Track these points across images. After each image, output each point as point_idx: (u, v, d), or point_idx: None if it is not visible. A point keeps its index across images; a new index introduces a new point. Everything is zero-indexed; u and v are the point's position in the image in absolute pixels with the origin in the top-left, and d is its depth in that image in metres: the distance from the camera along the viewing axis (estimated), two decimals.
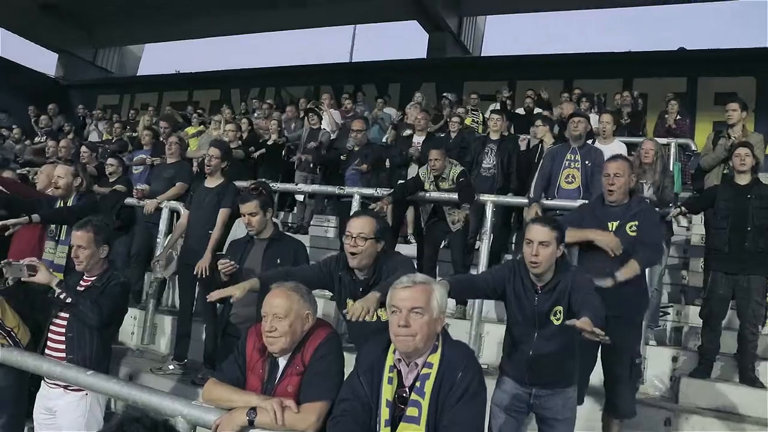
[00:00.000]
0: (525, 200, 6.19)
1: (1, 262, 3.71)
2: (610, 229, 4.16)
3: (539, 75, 13.92)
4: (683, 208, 5.67)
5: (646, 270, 4.81)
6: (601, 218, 4.23)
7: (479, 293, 3.92)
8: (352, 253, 3.31)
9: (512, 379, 3.49)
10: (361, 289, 3.38)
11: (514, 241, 7.51)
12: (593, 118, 8.88)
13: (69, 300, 3.58)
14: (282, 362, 2.79)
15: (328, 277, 3.54)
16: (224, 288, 3.91)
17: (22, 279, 3.66)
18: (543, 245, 3.29)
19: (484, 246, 5.81)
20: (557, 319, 3.30)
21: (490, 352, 5.43)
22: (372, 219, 3.40)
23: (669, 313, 6.11)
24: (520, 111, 10.65)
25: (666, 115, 9.19)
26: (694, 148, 8.49)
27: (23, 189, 6.09)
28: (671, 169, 6.63)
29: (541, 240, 3.30)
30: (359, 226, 3.33)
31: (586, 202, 4.95)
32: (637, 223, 4.13)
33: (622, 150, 6.36)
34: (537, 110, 10.02)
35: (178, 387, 5.16)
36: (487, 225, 5.88)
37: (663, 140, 7.72)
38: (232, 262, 4.09)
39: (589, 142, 6.46)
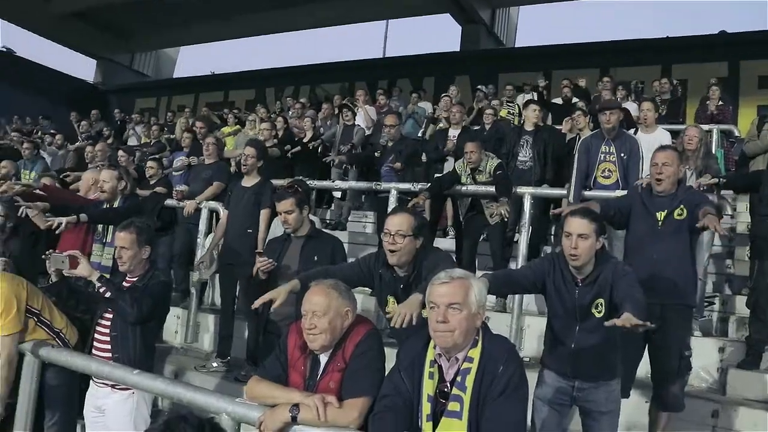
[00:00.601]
0: (563, 191, 6.11)
1: (45, 253, 3.80)
2: (659, 219, 4.12)
3: (575, 64, 13.74)
4: (721, 179, 5.50)
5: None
6: (648, 207, 4.18)
7: (519, 288, 3.88)
8: (391, 251, 3.31)
9: (554, 372, 3.46)
10: (401, 286, 3.38)
11: (553, 233, 7.42)
12: (631, 106, 8.75)
13: (108, 294, 3.65)
14: (323, 359, 2.80)
15: (368, 275, 3.55)
16: (263, 285, 3.97)
17: (64, 271, 3.73)
18: (582, 238, 3.26)
19: (522, 239, 5.76)
20: (599, 312, 3.27)
21: (530, 345, 5.38)
22: (410, 216, 3.39)
23: (714, 303, 5.97)
24: (558, 101, 10.50)
25: (707, 102, 8.98)
26: (737, 134, 8.29)
27: (67, 195, 6.23)
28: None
29: (580, 232, 3.27)
30: (397, 223, 3.32)
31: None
32: (683, 206, 4.08)
33: (666, 138, 6.23)
34: (575, 100, 9.86)
35: (221, 384, 5.23)
36: (525, 217, 5.83)
37: (705, 127, 7.54)
38: (271, 260, 4.13)
39: (631, 131, 6.34)
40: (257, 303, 3.42)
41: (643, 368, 4.13)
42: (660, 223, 4.13)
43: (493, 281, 3.22)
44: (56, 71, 22.84)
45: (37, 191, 5.65)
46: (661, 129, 6.57)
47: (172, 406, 5.02)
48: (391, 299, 3.45)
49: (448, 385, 2.50)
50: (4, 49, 22.16)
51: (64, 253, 3.77)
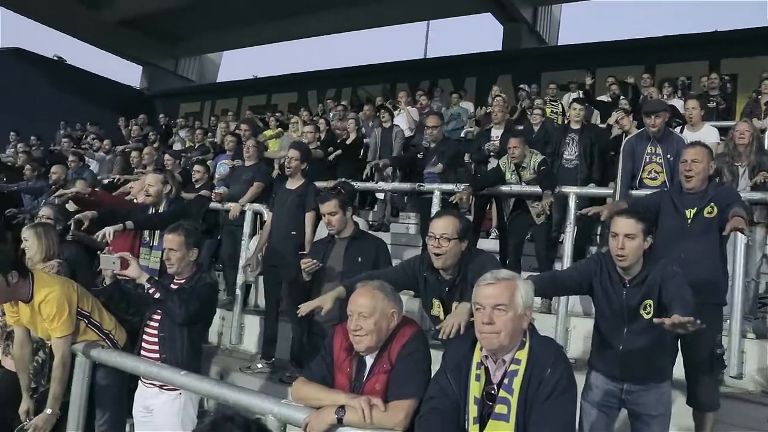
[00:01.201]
0: (610, 191, 6.00)
1: (97, 252, 3.88)
2: (687, 217, 4.02)
3: (619, 61, 13.51)
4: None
5: (740, 257, 4.61)
6: (678, 206, 4.08)
7: (565, 290, 3.82)
8: (437, 254, 3.28)
9: (602, 375, 3.39)
10: (446, 289, 3.36)
11: (599, 232, 7.30)
12: (678, 103, 8.56)
13: (158, 295, 3.70)
14: (369, 360, 2.79)
15: (413, 279, 3.53)
16: (308, 287, 3.99)
17: (114, 272, 3.79)
18: (629, 238, 3.20)
19: (567, 239, 5.67)
20: (647, 313, 3.19)
21: (577, 347, 5.29)
22: (455, 219, 3.35)
23: None
24: (604, 98, 10.32)
25: (759, 96, 8.71)
26: None
27: (116, 200, 6.35)
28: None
29: (627, 233, 3.21)
30: (442, 226, 3.29)
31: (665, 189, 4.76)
32: (713, 204, 3.97)
33: (713, 135, 6.08)
34: (622, 98, 9.69)
35: (266, 385, 5.26)
36: (570, 217, 5.73)
37: (759, 123, 7.33)
38: (315, 261, 4.15)
39: (677, 129, 6.19)
40: (304, 310, 3.44)
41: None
42: (689, 221, 4.02)
43: (539, 283, 3.17)
44: (104, 78, 23.42)
45: (87, 196, 5.76)
46: (708, 126, 6.41)
47: (217, 406, 5.09)
48: (436, 302, 3.43)
49: (495, 387, 2.46)
50: (56, 58, 22.78)
51: (115, 255, 3.84)
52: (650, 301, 3.18)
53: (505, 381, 2.43)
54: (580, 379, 3.14)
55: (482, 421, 2.43)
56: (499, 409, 2.40)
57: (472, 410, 2.45)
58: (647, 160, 5.46)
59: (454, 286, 3.34)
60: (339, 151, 9.04)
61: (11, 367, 4.18)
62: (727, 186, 4.43)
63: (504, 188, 6.27)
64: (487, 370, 2.50)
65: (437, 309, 3.43)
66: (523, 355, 2.45)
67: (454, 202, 5.87)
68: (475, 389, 2.48)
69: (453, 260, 3.30)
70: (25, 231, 4.50)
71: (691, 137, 5.85)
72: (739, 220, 3.53)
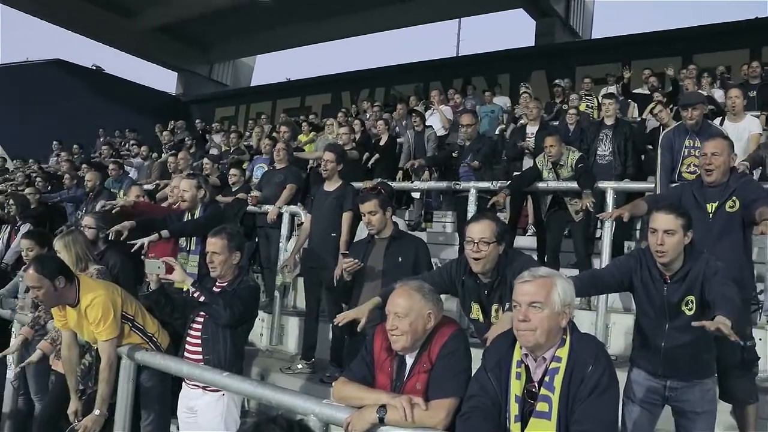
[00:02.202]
0: (650, 185, 5.91)
1: (142, 258, 3.97)
2: (709, 211, 3.94)
3: (655, 53, 13.31)
4: None
5: None
6: (699, 200, 4.00)
7: (605, 288, 3.77)
8: (476, 259, 3.28)
9: (644, 371, 3.34)
10: (485, 292, 3.35)
11: (638, 228, 7.20)
12: (718, 94, 8.40)
13: (203, 299, 3.76)
14: (409, 360, 2.80)
15: (450, 283, 3.52)
16: (348, 287, 4.02)
17: (159, 276, 3.87)
18: (668, 234, 3.14)
19: (606, 235, 5.60)
20: (690, 310, 3.14)
21: (617, 343, 5.24)
22: (492, 222, 3.33)
23: None
24: (642, 91, 10.16)
25: None
26: None
27: (156, 209, 6.46)
28: None
29: (666, 228, 3.15)
30: (480, 230, 3.27)
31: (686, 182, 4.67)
32: (735, 197, 3.90)
33: (755, 126, 5.93)
34: (658, 91, 9.52)
35: (306, 386, 5.28)
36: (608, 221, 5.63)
37: None
38: (356, 261, 4.16)
39: (717, 121, 6.07)
40: (340, 320, 3.47)
41: None
42: (711, 215, 3.94)
43: (578, 284, 3.13)
44: (141, 85, 23.89)
45: (131, 210, 5.87)
46: (750, 116, 6.26)
47: (259, 407, 5.15)
48: (475, 306, 3.43)
49: (536, 385, 2.45)
50: (94, 67, 23.28)
51: (159, 260, 3.92)
52: (692, 297, 3.13)
53: (546, 379, 2.42)
54: (621, 376, 3.10)
55: (524, 419, 2.42)
56: (541, 407, 2.39)
57: (513, 408, 2.44)
58: (686, 153, 5.34)
59: (493, 289, 3.33)
60: (377, 155, 9.05)
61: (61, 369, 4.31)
62: (749, 178, 4.32)
63: (541, 185, 6.21)
64: (527, 368, 2.49)
65: (476, 312, 3.43)
66: (563, 352, 2.43)
67: (490, 205, 5.83)
68: (515, 387, 2.46)
69: (491, 264, 3.29)
70: (56, 243, 4.62)
71: (732, 128, 5.74)
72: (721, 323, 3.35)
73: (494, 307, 3.35)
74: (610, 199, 5.73)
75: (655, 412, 3.37)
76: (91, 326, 3.87)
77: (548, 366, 2.44)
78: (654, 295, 3.22)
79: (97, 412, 3.77)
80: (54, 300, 3.90)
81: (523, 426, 2.41)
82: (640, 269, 3.30)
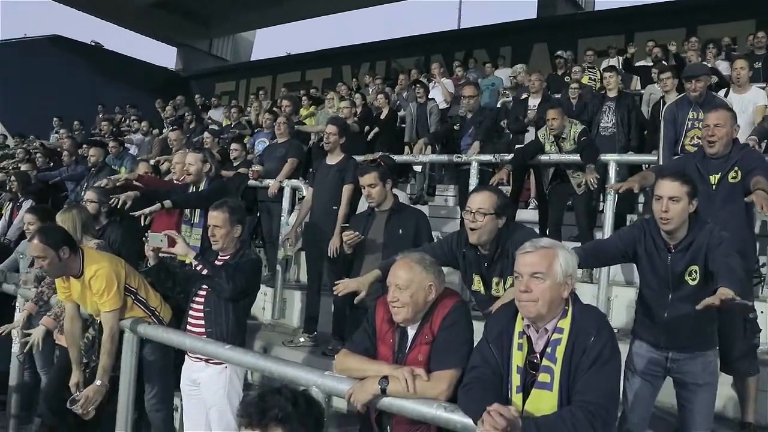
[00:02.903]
0: (652, 158, 5.88)
1: (144, 235, 3.98)
2: (712, 183, 3.92)
3: (659, 24, 13.17)
4: None
5: None
6: (701, 172, 3.97)
7: (609, 259, 3.73)
8: (472, 229, 3.26)
9: (646, 343, 3.35)
10: (486, 264, 3.34)
11: (640, 201, 7.19)
12: (724, 66, 8.31)
13: (205, 272, 3.76)
14: (411, 332, 2.81)
15: (451, 255, 3.51)
16: (349, 260, 4.01)
17: (162, 249, 3.88)
18: (673, 201, 3.12)
19: (608, 207, 5.59)
20: (693, 280, 3.13)
21: (619, 316, 5.25)
22: (492, 194, 3.32)
23: None
24: (645, 62, 10.06)
25: None
26: None
27: (161, 183, 6.47)
28: None
29: (671, 195, 3.12)
30: (479, 201, 3.26)
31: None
32: (737, 168, 3.88)
33: (761, 97, 5.87)
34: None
35: (308, 359, 5.31)
36: (611, 185, 5.63)
37: None
38: (357, 233, 4.16)
39: (721, 93, 6.02)
40: (341, 289, 3.47)
41: None
42: (714, 186, 3.93)
43: (582, 255, 3.14)
44: (140, 61, 23.74)
45: (135, 182, 5.88)
46: (755, 88, 6.18)
47: (262, 380, 5.18)
48: (476, 278, 3.42)
49: (538, 356, 2.45)
50: (93, 44, 23.13)
51: (161, 233, 3.92)
52: (696, 267, 3.12)
53: (548, 350, 2.41)
54: (623, 349, 3.10)
55: (525, 390, 2.42)
56: (543, 377, 2.38)
57: (515, 379, 2.44)
58: (689, 125, 5.30)
59: (493, 261, 3.32)
60: (376, 129, 9.02)
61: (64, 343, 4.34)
62: (749, 149, 4.30)
63: (543, 158, 6.18)
64: (529, 339, 2.48)
65: (477, 284, 3.43)
66: (566, 323, 2.42)
67: (494, 182, 5.79)
68: (517, 358, 2.46)
69: (489, 236, 3.27)
70: (57, 217, 4.64)
71: (737, 99, 5.69)
72: (762, 195, 3.36)
73: (495, 279, 3.35)
74: (612, 171, 5.71)
75: (656, 384, 3.38)
76: (95, 297, 3.90)
77: (550, 337, 2.43)
78: (658, 265, 3.22)
79: (98, 382, 3.79)
80: (59, 270, 3.92)
81: (525, 397, 2.41)
82: (644, 239, 3.29)
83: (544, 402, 2.36)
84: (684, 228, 3.17)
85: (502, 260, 3.29)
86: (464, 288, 4.35)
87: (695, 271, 3.12)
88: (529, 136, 7.51)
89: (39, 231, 3.97)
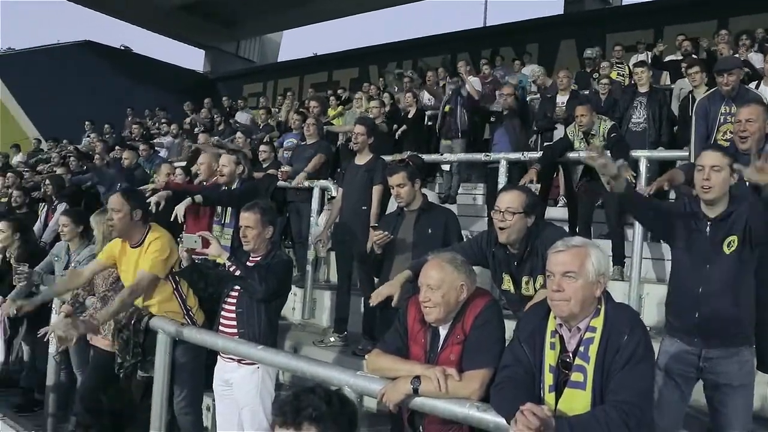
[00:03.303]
0: (683, 153, 5.79)
1: (178, 237, 4.04)
2: None
3: (689, 18, 12.95)
4: None
5: None
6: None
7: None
8: (501, 228, 3.27)
9: (679, 339, 3.25)
10: (515, 263, 3.34)
11: (672, 198, 7.09)
12: (757, 58, 8.15)
13: (238, 273, 3.79)
14: (443, 332, 2.81)
15: (480, 255, 3.51)
16: (379, 259, 4.02)
17: (197, 250, 3.93)
18: (715, 170, 3.14)
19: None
20: (730, 249, 3.10)
21: (651, 314, 5.17)
22: (522, 193, 3.33)
23: None
24: (676, 57, 9.91)
25: None
26: None
27: (189, 186, 6.54)
28: None
29: (713, 164, 3.14)
30: (508, 200, 3.27)
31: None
32: None
33: None
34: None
35: (339, 358, 5.33)
36: (641, 182, 5.57)
37: None
38: (386, 233, 4.15)
39: (752, 85, 5.91)
40: (375, 300, 3.48)
41: None
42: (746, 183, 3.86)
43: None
44: (169, 64, 24.03)
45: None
46: None
47: (293, 380, 5.21)
48: (506, 277, 3.42)
49: (570, 355, 2.43)
50: (123, 48, 23.45)
51: (195, 234, 3.97)
52: (734, 237, 3.10)
53: (581, 349, 2.40)
54: (655, 347, 3.05)
55: (558, 389, 2.41)
56: (575, 377, 2.37)
57: (548, 378, 2.43)
58: (721, 120, 5.20)
59: (523, 259, 3.32)
60: (404, 127, 9.02)
61: (104, 346, 4.42)
62: None
63: (572, 155, 6.13)
64: (561, 338, 2.47)
65: (507, 283, 3.43)
66: (598, 322, 2.41)
67: (524, 183, 5.74)
68: (550, 357, 2.45)
69: (517, 235, 3.28)
70: (92, 219, 4.71)
71: (760, 95, 5.58)
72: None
73: (524, 278, 3.35)
74: (643, 167, 5.64)
75: (688, 386, 3.28)
76: (144, 256, 4.00)
77: (583, 336, 2.42)
78: (695, 238, 3.19)
79: (94, 321, 3.92)
80: (125, 229, 4.06)
81: (558, 396, 2.40)
82: (684, 211, 3.30)
83: (577, 401, 2.35)
84: (725, 201, 3.17)
85: (531, 259, 3.29)
86: (494, 287, 4.35)
87: (733, 242, 3.10)
88: (557, 134, 7.46)
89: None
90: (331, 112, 10.97)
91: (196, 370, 4.26)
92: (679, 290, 3.29)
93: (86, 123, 15.63)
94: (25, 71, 19.53)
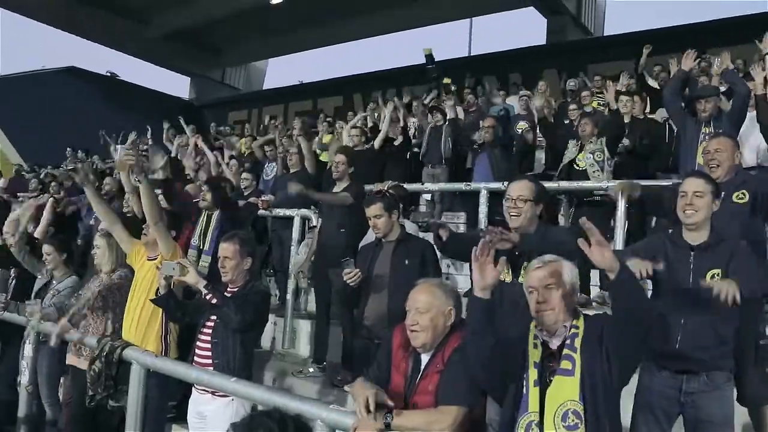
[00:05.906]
0: (665, 182, 5.82)
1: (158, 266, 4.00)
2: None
3: (670, 49, 13.07)
4: None
5: None
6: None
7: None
8: (513, 216, 3.33)
9: (657, 371, 3.23)
10: (516, 253, 3.31)
11: (654, 225, 7.09)
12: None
13: (214, 301, 3.75)
14: (424, 359, 2.83)
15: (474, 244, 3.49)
16: (355, 292, 4.01)
17: (174, 277, 3.87)
18: (697, 195, 3.20)
19: (619, 233, 5.53)
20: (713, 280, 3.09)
21: None
22: (530, 182, 3.43)
23: None
24: (654, 84, 10.05)
25: None
26: None
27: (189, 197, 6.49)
28: None
29: (696, 190, 3.21)
30: (518, 189, 3.35)
31: None
32: (745, 191, 3.89)
33: None
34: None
35: (318, 389, 5.30)
36: (621, 209, 5.54)
37: None
38: (357, 271, 4.09)
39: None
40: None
41: None
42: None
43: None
44: (154, 91, 24.01)
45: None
46: None
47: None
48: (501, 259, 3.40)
49: (555, 351, 2.55)
50: (108, 74, 23.46)
51: (174, 261, 3.92)
52: (718, 271, 3.11)
53: (567, 341, 2.53)
54: (633, 380, 3.03)
55: (542, 384, 2.51)
56: (564, 365, 2.50)
57: (532, 374, 2.54)
58: (701, 138, 5.27)
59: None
60: (381, 135, 8.83)
61: (83, 366, 4.36)
62: (762, 175, 4.32)
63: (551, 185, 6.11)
64: (543, 341, 2.59)
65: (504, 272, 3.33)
66: (580, 322, 2.57)
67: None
68: (534, 355, 2.57)
69: (528, 223, 3.33)
70: (98, 239, 4.66)
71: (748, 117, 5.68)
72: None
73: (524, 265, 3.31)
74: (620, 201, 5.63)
75: (668, 426, 3.26)
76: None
77: (568, 333, 2.55)
78: (678, 267, 3.20)
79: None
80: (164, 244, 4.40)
81: (543, 390, 2.49)
82: (665, 244, 3.32)
83: (565, 388, 2.46)
84: (707, 228, 3.21)
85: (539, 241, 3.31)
86: None
87: (717, 275, 3.11)
88: (538, 157, 7.48)
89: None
90: (326, 139, 10.95)
91: (163, 408, 4.28)
92: (661, 329, 3.27)
93: (68, 149, 15.55)
94: (8, 97, 19.44)
